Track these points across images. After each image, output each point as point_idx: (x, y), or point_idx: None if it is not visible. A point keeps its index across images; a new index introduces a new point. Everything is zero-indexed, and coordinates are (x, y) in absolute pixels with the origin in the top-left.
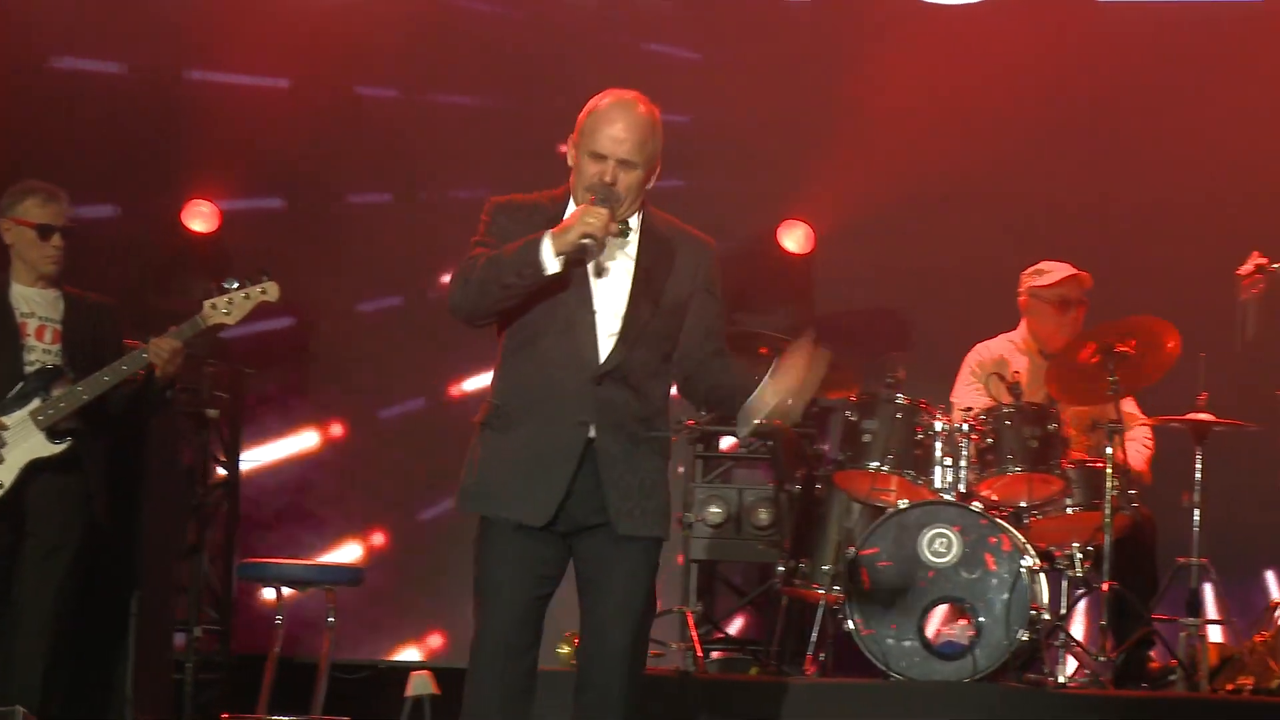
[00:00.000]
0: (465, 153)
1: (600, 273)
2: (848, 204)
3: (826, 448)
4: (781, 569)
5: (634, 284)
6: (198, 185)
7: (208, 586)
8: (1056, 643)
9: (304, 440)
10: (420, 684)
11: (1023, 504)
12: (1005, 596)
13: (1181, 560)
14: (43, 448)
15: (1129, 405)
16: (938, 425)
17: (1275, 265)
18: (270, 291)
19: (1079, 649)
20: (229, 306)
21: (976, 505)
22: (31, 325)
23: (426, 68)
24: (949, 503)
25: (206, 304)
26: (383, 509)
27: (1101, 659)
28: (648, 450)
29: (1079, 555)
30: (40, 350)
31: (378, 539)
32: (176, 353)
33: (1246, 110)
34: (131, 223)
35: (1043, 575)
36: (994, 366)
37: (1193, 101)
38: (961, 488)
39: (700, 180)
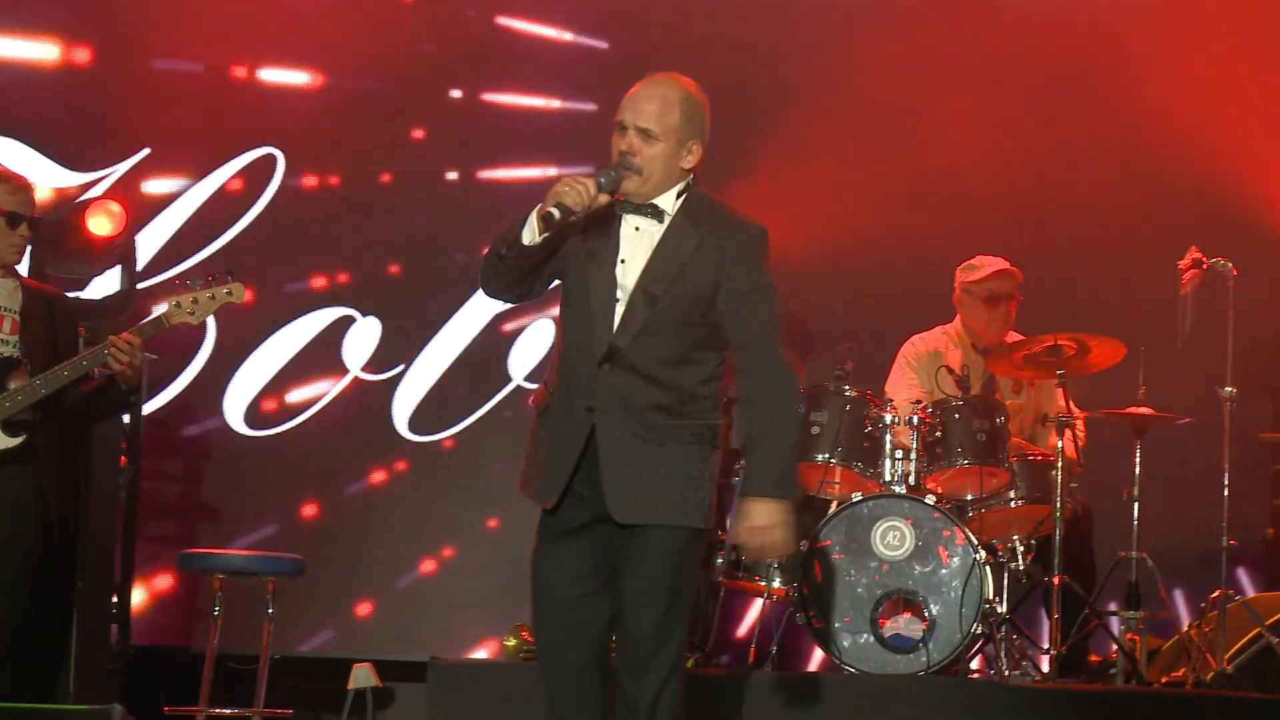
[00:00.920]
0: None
1: (622, 259)
2: (786, 197)
3: None
4: (721, 561)
5: (646, 269)
6: None
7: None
8: (1004, 636)
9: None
10: (362, 677)
11: (969, 497)
12: (959, 590)
13: (1122, 554)
14: None
15: (1060, 396)
16: (887, 418)
17: (1212, 260)
18: (236, 293)
19: (1022, 643)
20: (194, 306)
21: (930, 499)
22: None
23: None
24: (902, 495)
25: (170, 303)
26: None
27: (1052, 652)
28: (671, 438)
29: (1020, 548)
30: None
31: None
32: (137, 351)
33: (1185, 105)
34: None
35: (988, 569)
36: (929, 359)
37: (1132, 96)
38: (911, 480)
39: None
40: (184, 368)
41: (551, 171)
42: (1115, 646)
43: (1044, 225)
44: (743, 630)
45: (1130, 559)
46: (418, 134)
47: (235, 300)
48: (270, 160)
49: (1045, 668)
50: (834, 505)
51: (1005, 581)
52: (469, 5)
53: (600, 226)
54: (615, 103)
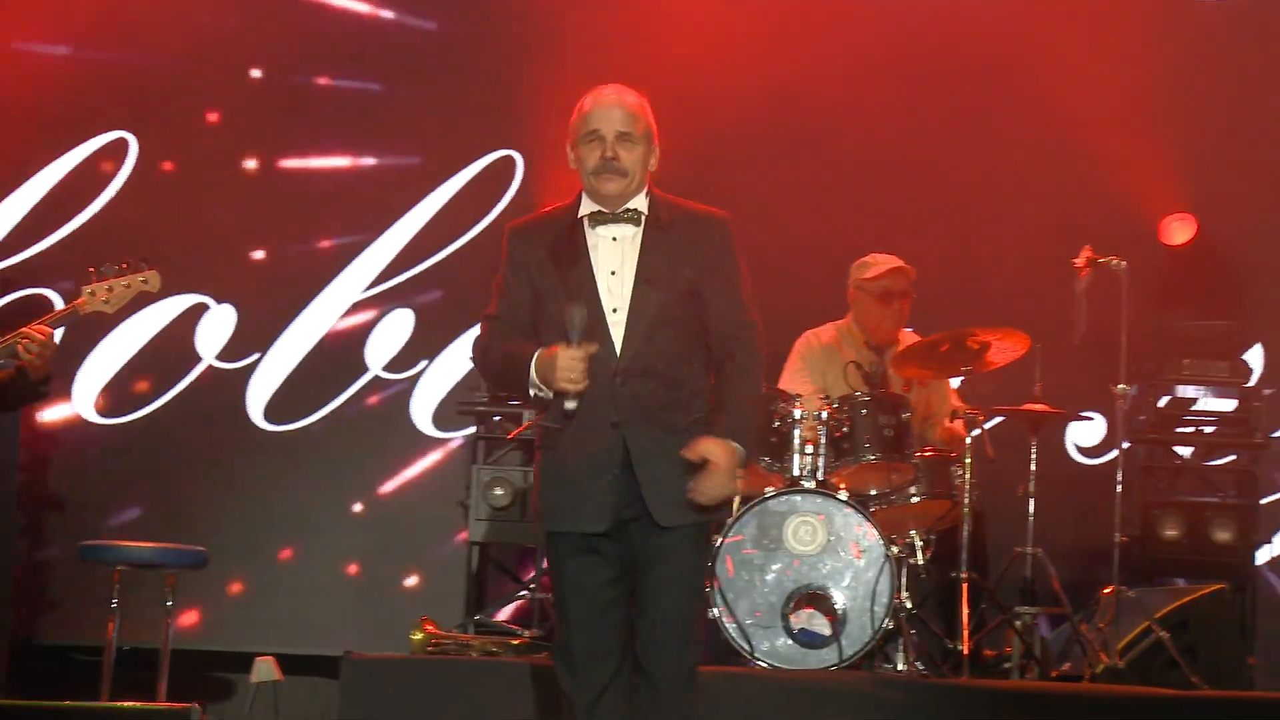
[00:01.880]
0: None
1: (610, 270)
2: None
3: None
4: None
5: (637, 274)
6: None
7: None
8: (914, 631)
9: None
10: (264, 670)
11: (873, 491)
12: (869, 585)
13: (1018, 550)
14: None
15: (952, 395)
16: (796, 413)
17: (1105, 259)
18: (151, 281)
19: (918, 639)
20: (109, 295)
21: (842, 494)
22: None
23: None
24: (814, 490)
25: (85, 291)
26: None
27: (957, 647)
28: (685, 436)
29: (920, 543)
30: None
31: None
32: (50, 341)
33: (1079, 105)
34: None
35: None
36: (822, 354)
37: (1027, 95)
38: (819, 475)
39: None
40: None
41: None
42: (1011, 642)
43: (939, 224)
44: None
45: (1025, 554)
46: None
47: (151, 289)
48: (122, 144)
49: (949, 662)
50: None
51: (904, 577)
52: None
53: (570, 250)
54: (442, 86)
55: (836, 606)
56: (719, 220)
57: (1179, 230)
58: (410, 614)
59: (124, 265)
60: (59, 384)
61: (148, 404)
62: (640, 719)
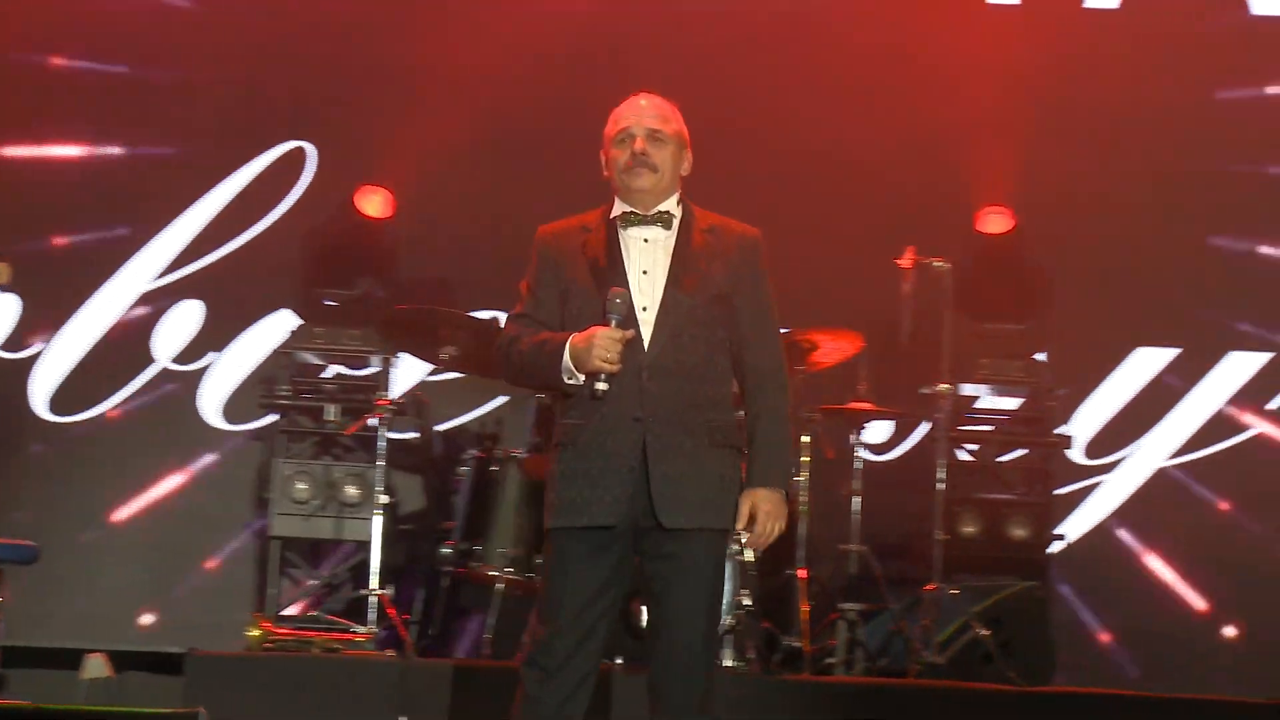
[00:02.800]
0: None
1: (643, 270)
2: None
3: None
4: (448, 551)
5: (669, 276)
6: None
7: None
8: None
9: None
10: (95, 667)
11: None
12: None
13: (843, 547)
14: None
15: None
16: None
17: (928, 260)
18: (2, 273)
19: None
20: None
21: None
22: None
23: None
24: None
25: None
26: None
27: (792, 644)
28: (708, 441)
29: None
30: None
31: None
32: None
33: (903, 103)
34: None
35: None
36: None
37: (851, 93)
38: None
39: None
40: None
41: None
42: (836, 637)
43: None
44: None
45: (850, 552)
46: None
47: (2, 280)
48: None
49: (779, 658)
50: None
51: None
52: None
53: (602, 250)
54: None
55: None
56: (751, 236)
57: (996, 221)
58: (201, 608)
59: None
60: None
61: None
62: None
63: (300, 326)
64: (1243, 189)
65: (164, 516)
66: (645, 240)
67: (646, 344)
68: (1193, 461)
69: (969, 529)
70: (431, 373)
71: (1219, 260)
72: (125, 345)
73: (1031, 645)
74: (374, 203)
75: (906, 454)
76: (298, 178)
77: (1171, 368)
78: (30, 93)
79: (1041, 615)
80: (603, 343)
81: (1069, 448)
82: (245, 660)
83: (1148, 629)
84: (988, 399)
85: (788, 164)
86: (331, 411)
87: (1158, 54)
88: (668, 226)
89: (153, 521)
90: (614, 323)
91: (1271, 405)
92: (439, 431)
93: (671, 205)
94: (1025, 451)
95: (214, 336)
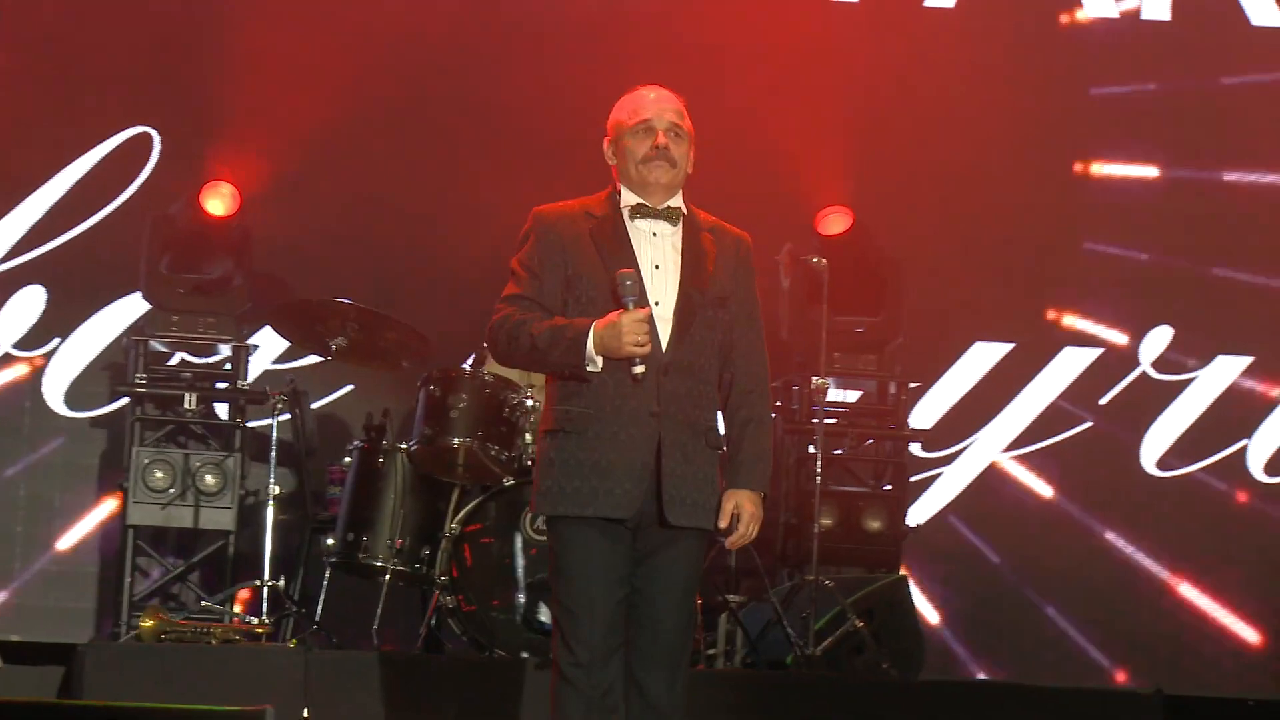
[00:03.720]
0: None
1: (655, 264)
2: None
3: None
4: (331, 542)
5: (682, 274)
6: None
7: None
8: None
9: None
10: None
11: None
12: None
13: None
14: None
15: None
16: (529, 402)
17: (805, 257)
18: None
19: None
20: None
21: None
22: None
23: None
24: None
25: None
26: None
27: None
28: (703, 440)
29: None
30: None
31: None
32: None
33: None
34: None
35: None
36: None
37: (687, 92)
38: None
39: None
40: None
41: None
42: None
43: None
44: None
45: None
46: None
47: None
48: None
49: None
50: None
51: None
52: None
53: (613, 239)
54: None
55: None
56: (746, 241)
57: (835, 221)
58: (47, 598)
59: None
60: None
61: None
62: None
63: (150, 311)
64: (1077, 189)
65: (7, 504)
66: (654, 234)
67: (665, 341)
68: (1027, 454)
69: (825, 521)
70: (277, 360)
71: (1054, 258)
72: None
73: (901, 636)
74: (218, 203)
75: None
76: (144, 164)
77: (1008, 361)
78: None
79: (910, 606)
80: (630, 326)
81: (920, 440)
82: (136, 650)
83: (980, 616)
84: (836, 392)
85: None
86: (189, 399)
87: (995, 53)
88: (674, 222)
89: None
90: (630, 305)
91: (1103, 400)
92: (313, 420)
93: (679, 201)
94: (871, 442)
95: (58, 322)
